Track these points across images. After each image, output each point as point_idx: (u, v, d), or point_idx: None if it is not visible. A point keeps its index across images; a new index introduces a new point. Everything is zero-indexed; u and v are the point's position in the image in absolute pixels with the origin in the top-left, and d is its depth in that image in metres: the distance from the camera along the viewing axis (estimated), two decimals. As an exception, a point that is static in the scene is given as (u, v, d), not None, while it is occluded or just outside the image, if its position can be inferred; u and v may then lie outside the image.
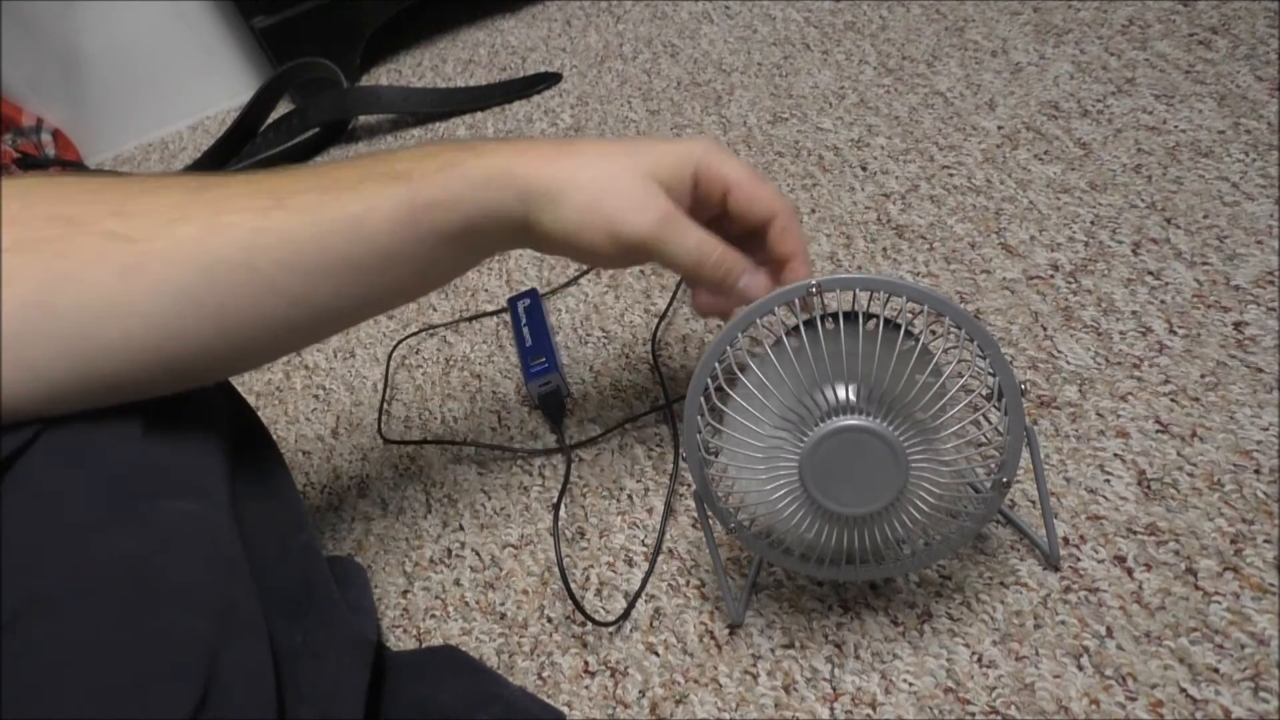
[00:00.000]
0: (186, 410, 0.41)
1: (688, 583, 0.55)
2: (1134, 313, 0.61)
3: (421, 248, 0.41)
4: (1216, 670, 0.44)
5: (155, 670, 0.33)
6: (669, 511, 0.59)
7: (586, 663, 0.53)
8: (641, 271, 0.80)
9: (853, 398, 0.42)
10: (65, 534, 0.34)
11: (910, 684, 0.47)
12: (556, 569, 0.58)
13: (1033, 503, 0.53)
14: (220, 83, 1.45)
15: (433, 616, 0.59)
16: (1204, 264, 0.63)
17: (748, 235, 0.48)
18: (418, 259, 0.41)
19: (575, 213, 0.42)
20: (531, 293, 0.79)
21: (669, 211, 0.43)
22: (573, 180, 0.41)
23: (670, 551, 0.57)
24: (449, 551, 0.63)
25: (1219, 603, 0.46)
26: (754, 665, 0.50)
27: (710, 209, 0.47)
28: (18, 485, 0.33)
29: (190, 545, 0.37)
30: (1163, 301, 0.61)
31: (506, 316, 0.80)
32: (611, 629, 0.54)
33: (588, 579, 0.58)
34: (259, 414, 0.52)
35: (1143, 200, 0.69)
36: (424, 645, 0.57)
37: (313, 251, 0.38)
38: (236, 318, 0.37)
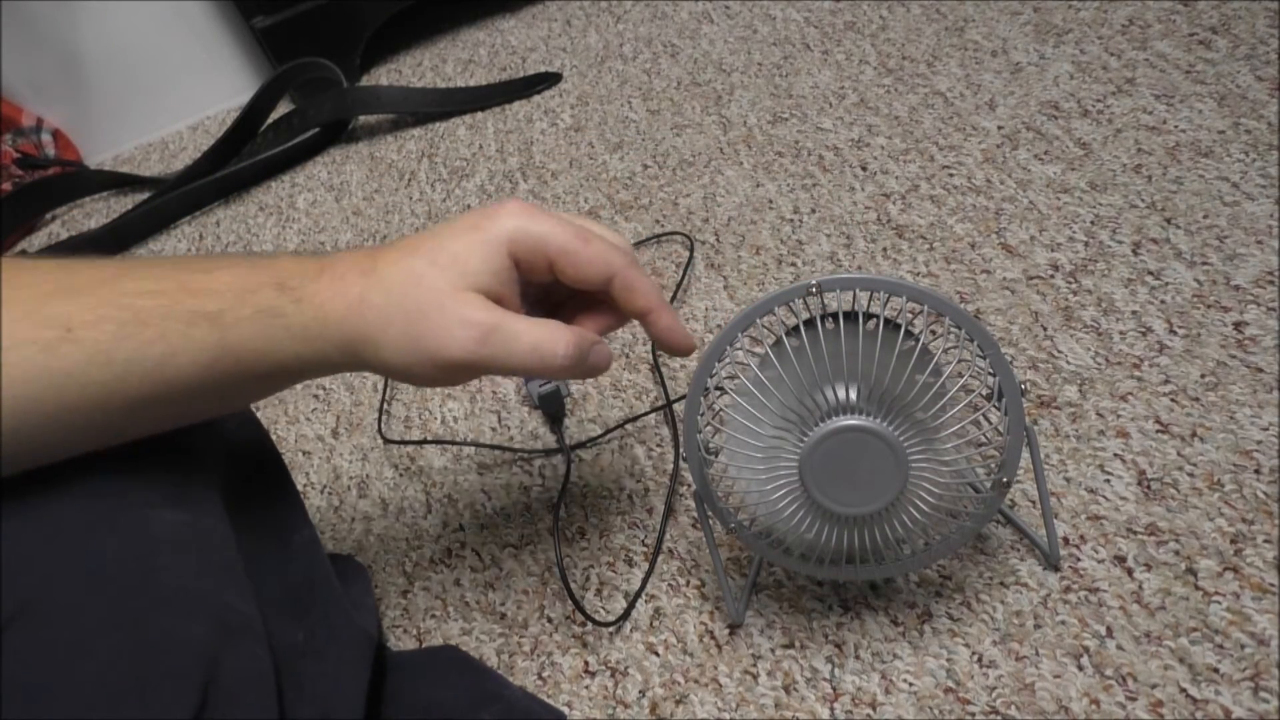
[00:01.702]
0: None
1: (688, 583, 0.55)
2: (1134, 313, 0.61)
3: (233, 388, 0.37)
4: (1216, 670, 0.44)
5: (154, 674, 0.33)
6: (669, 511, 0.59)
7: (586, 663, 0.53)
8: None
9: (853, 398, 0.42)
10: (60, 540, 0.34)
11: (910, 684, 0.47)
12: (556, 569, 0.58)
13: (1033, 503, 0.53)
14: (220, 83, 1.45)
15: (433, 616, 0.59)
16: (1204, 264, 0.63)
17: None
18: (229, 396, 0.38)
19: (396, 353, 0.38)
20: (531, 293, 0.79)
21: (489, 325, 0.38)
22: (382, 318, 0.37)
23: (670, 551, 0.57)
24: (449, 551, 0.63)
25: (1219, 603, 0.46)
26: (754, 665, 0.50)
27: (542, 276, 0.42)
28: (11, 495, 0.33)
29: (184, 552, 0.37)
30: (1163, 301, 0.61)
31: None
32: (611, 629, 0.54)
33: (588, 579, 0.58)
34: (258, 414, 0.52)
35: (1143, 200, 0.69)
36: (424, 645, 0.57)
37: (103, 394, 0.34)
38: (14, 449, 0.33)
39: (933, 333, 0.47)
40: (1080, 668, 0.45)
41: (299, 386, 0.82)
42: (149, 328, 0.34)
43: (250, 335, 0.36)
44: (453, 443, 0.70)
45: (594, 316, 0.45)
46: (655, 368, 0.70)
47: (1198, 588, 0.47)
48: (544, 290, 0.44)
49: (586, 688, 0.52)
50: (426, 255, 0.38)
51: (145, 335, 0.34)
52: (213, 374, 0.36)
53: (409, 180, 1.06)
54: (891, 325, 0.43)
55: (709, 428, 0.46)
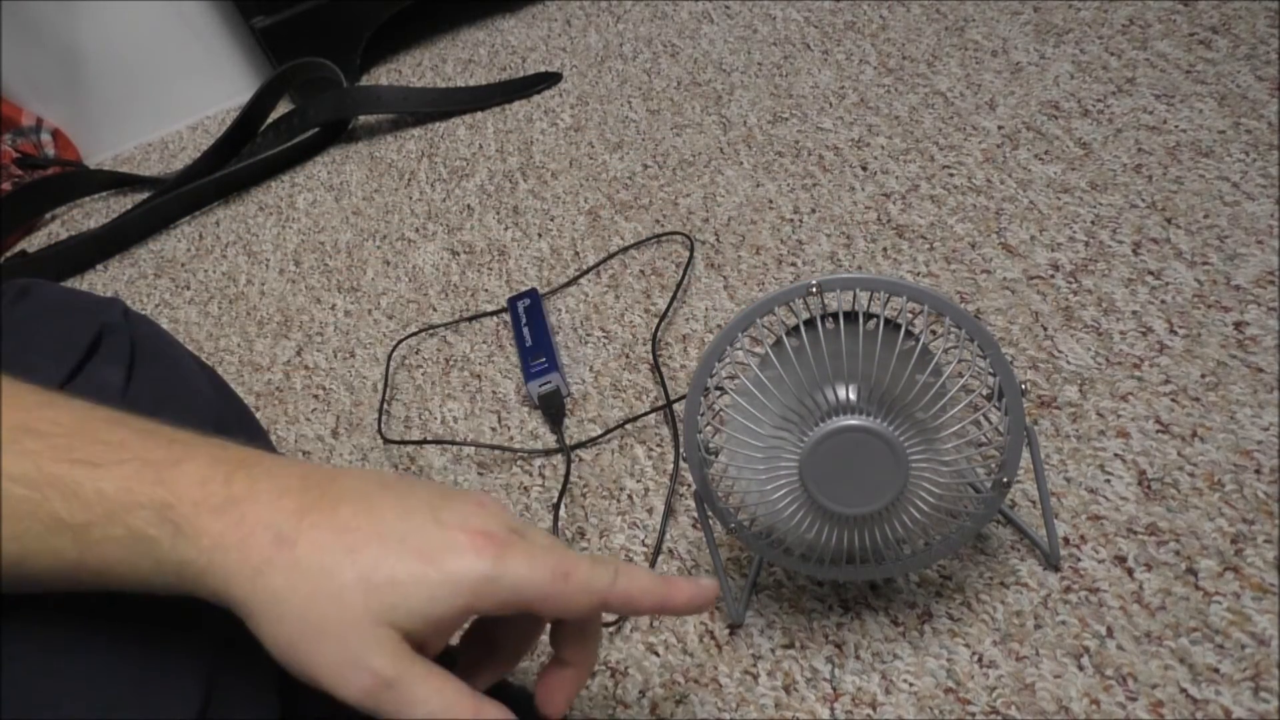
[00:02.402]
0: (176, 415, 0.41)
1: (688, 583, 0.55)
2: (1134, 313, 0.61)
3: (93, 589, 0.32)
4: (1217, 670, 0.44)
5: (158, 672, 0.33)
6: (669, 511, 0.59)
7: (586, 663, 0.53)
8: (641, 271, 0.80)
9: (853, 398, 0.42)
10: None
11: (910, 684, 0.47)
12: (556, 569, 0.58)
13: (1033, 503, 0.53)
14: (220, 83, 1.45)
15: (433, 616, 0.59)
16: (1204, 264, 0.63)
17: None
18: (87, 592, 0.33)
19: (275, 650, 0.31)
20: (531, 293, 0.79)
21: (383, 681, 0.30)
22: (273, 613, 0.31)
23: (670, 551, 0.57)
24: (449, 551, 0.63)
25: (1219, 603, 0.46)
26: (754, 665, 0.50)
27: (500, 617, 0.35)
28: None
29: None
30: (1163, 301, 0.61)
31: (506, 316, 0.80)
32: (611, 629, 0.54)
33: (588, 579, 0.58)
34: (259, 414, 0.52)
35: (1143, 200, 0.69)
36: (424, 645, 0.57)
37: None
38: None
39: (933, 333, 0.47)
40: (1080, 668, 0.45)
41: (298, 386, 0.82)
42: (10, 524, 0.30)
43: (112, 557, 0.31)
44: (453, 443, 0.70)
45: (569, 654, 0.37)
46: (655, 368, 0.70)
47: (1198, 588, 0.47)
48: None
49: (586, 687, 0.52)
50: (359, 567, 0.31)
51: (6, 530, 0.30)
52: (69, 581, 0.31)
53: (409, 180, 1.06)
54: (891, 325, 0.43)
55: (709, 428, 0.46)
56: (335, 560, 0.31)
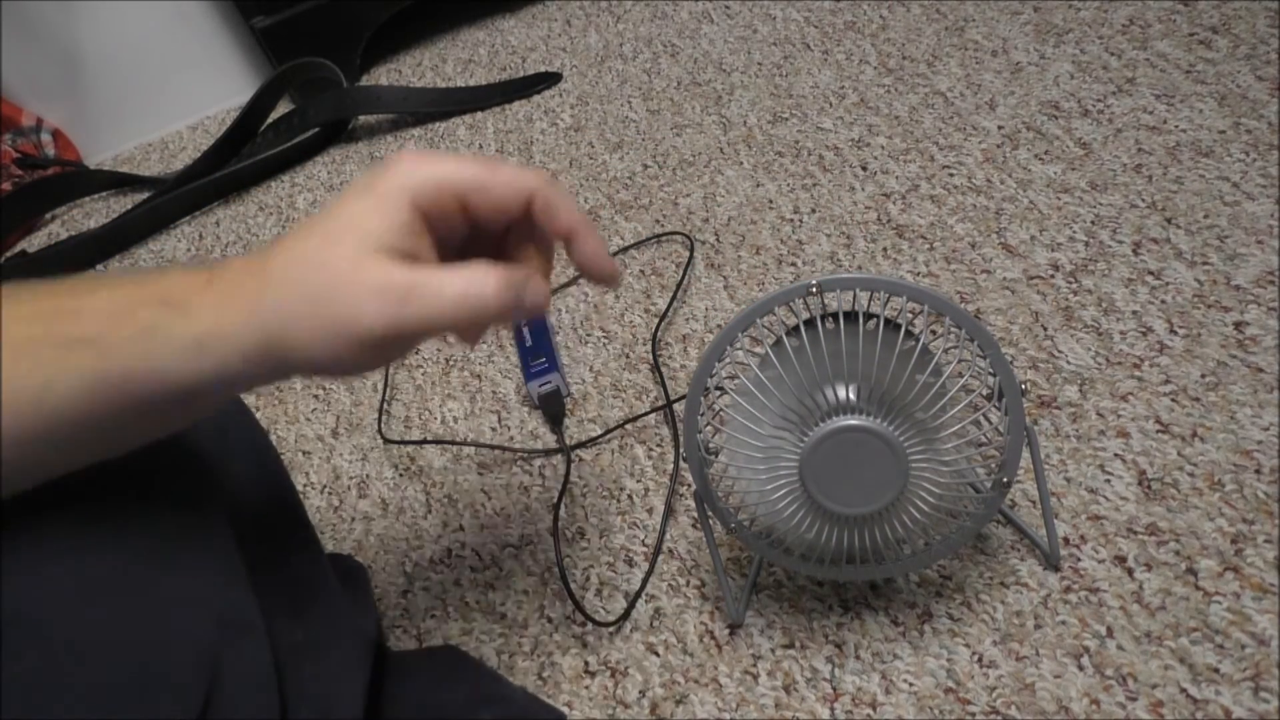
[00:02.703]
0: None
1: (688, 583, 0.55)
2: (1134, 313, 0.61)
3: (123, 419, 0.34)
4: (1217, 670, 0.44)
5: (158, 675, 0.33)
6: (669, 511, 0.59)
7: (587, 663, 0.53)
8: (641, 271, 0.80)
9: (853, 398, 0.42)
10: (61, 544, 0.34)
11: (910, 684, 0.47)
12: (556, 569, 0.58)
13: (1033, 503, 0.53)
14: (220, 83, 1.45)
15: (433, 616, 0.59)
16: (1204, 264, 0.63)
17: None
18: (120, 429, 0.35)
19: (313, 345, 0.34)
20: (531, 293, 0.79)
21: (404, 286, 0.34)
22: (287, 315, 0.33)
23: (670, 551, 0.57)
24: (449, 551, 0.63)
25: (1219, 603, 0.46)
26: (754, 665, 0.50)
27: (456, 222, 0.37)
28: (14, 497, 0.33)
29: (187, 552, 0.37)
30: (1163, 301, 0.61)
31: (506, 316, 0.80)
32: (611, 629, 0.54)
33: (588, 579, 0.58)
34: (258, 414, 0.52)
35: (1143, 200, 0.69)
36: (424, 645, 0.57)
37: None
38: None
39: (933, 333, 0.47)
40: (1080, 668, 0.45)
41: (298, 386, 0.82)
42: (22, 359, 0.32)
43: (132, 356, 0.33)
44: (453, 443, 0.70)
45: (523, 257, 0.40)
46: (655, 368, 0.70)
47: (1198, 588, 0.47)
48: (464, 243, 0.39)
49: (586, 688, 0.52)
50: (319, 234, 0.34)
51: (20, 367, 0.32)
52: (98, 402, 0.33)
53: (409, 180, 1.06)
54: (891, 325, 0.43)
55: (709, 428, 0.46)
56: (300, 247, 0.34)
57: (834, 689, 0.48)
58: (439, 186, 0.36)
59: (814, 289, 0.42)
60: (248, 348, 0.33)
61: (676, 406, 0.66)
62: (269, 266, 0.34)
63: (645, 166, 0.92)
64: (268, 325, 0.33)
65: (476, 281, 0.34)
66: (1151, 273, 0.63)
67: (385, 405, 0.76)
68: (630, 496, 0.62)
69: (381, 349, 0.34)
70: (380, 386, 0.78)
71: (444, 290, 0.34)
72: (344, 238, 0.34)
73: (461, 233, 0.38)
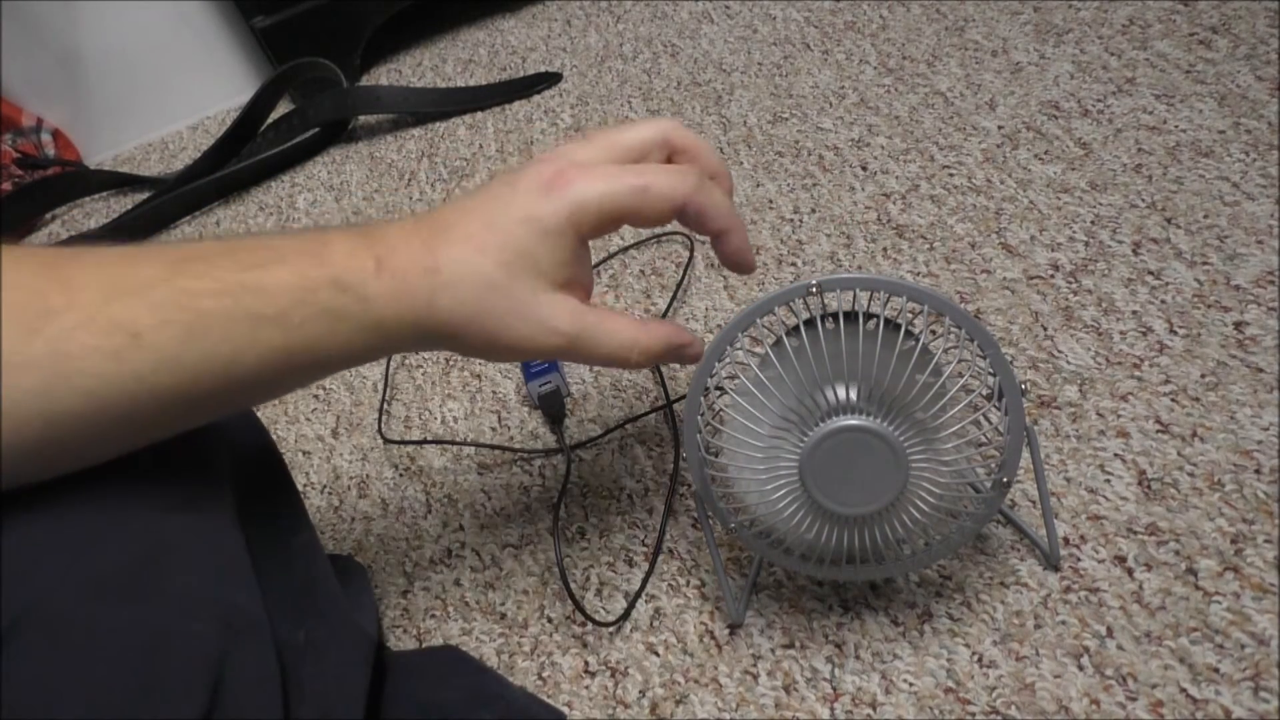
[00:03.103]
0: None
1: (688, 583, 0.55)
2: (1134, 313, 0.61)
3: (301, 377, 0.38)
4: (1217, 670, 0.44)
5: (162, 675, 0.33)
6: (669, 511, 0.59)
7: (587, 663, 0.53)
8: (641, 271, 0.80)
9: (853, 398, 0.42)
10: (65, 544, 0.34)
11: (910, 684, 0.47)
12: (556, 569, 0.58)
13: (1033, 503, 0.53)
14: (220, 83, 1.45)
15: (433, 617, 0.59)
16: (1204, 264, 0.63)
17: None
18: (295, 383, 0.38)
19: (477, 348, 0.39)
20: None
21: (573, 334, 0.39)
22: (460, 321, 0.37)
23: (670, 551, 0.57)
24: (449, 551, 0.63)
25: (1219, 603, 0.46)
26: (754, 665, 0.50)
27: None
28: (18, 497, 0.33)
29: (190, 553, 0.37)
30: (1163, 301, 0.61)
31: (506, 316, 0.80)
32: (611, 629, 0.54)
33: (588, 579, 0.58)
34: (259, 414, 0.52)
35: (1143, 200, 0.69)
36: (424, 645, 0.57)
37: (172, 395, 0.34)
38: (81, 450, 0.34)
39: (933, 333, 0.47)
40: (1080, 668, 0.45)
41: (299, 386, 0.82)
42: (214, 330, 0.34)
43: (317, 334, 0.36)
44: (453, 443, 0.70)
45: None
46: (655, 368, 0.70)
47: (1198, 588, 0.47)
48: None
49: (586, 688, 0.52)
50: (493, 255, 0.37)
51: (211, 338, 0.34)
52: (281, 370, 0.36)
53: (409, 180, 1.06)
54: (891, 325, 0.43)
55: (709, 428, 0.46)
56: (475, 263, 0.37)
57: (834, 689, 0.48)
58: (598, 218, 0.39)
59: (814, 289, 0.42)
60: (419, 336, 0.37)
61: (676, 406, 0.66)
62: (442, 271, 0.37)
63: (645, 166, 0.92)
64: (440, 324, 0.37)
65: (635, 341, 0.41)
66: (1151, 273, 0.63)
67: (385, 405, 0.76)
68: (630, 496, 0.62)
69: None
70: (380, 386, 0.78)
71: (600, 346, 0.39)
72: (518, 269, 0.37)
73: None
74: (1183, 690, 0.43)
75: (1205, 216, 0.66)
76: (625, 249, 0.83)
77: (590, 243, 0.41)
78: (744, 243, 0.43)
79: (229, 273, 0.35)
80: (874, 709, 0.47)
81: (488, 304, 0.37)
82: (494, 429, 0.71)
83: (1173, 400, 0.55)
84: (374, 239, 0.37)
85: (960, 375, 0.42)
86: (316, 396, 0.80)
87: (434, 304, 0.37)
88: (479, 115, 1.14)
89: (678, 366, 0.70)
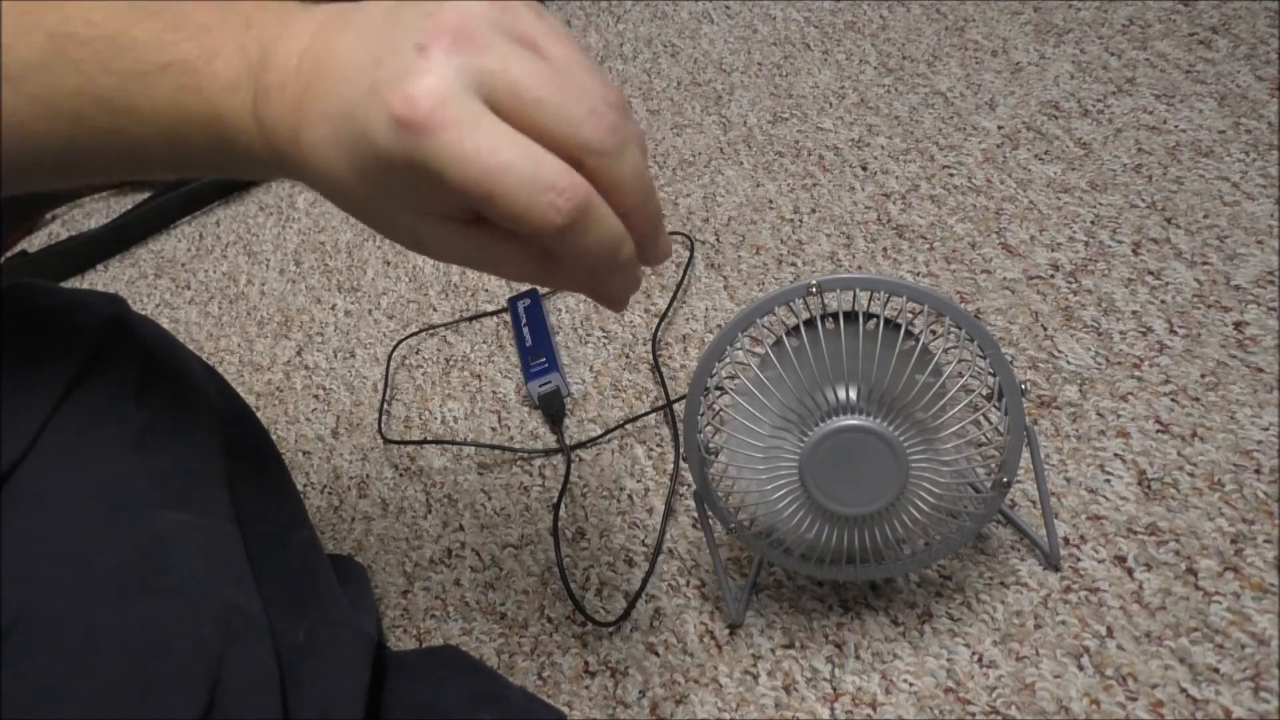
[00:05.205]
0: (181, 415, 0.41)
1: (688, 583, 0.55)
2: (1134, 313, 0.61)
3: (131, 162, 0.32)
4: (1217, 670, 0.44)
5: (161, 674, 0.33)
6: (669, 511, 0.59)
7: (587, 663, 0.53)
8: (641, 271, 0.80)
9: (853, 398, 0.42)
10: (65, 543, 0.34)
11: (910, 684, 0.47)
12: (556, 569, 0.58)
13: (1033, 503, 0.53)
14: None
15: (433, 616, 0.59)
16: (1204, 264, 0.63)
17: None
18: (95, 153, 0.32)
19: (314, 138, 0.29)
20: (532, 293, 0.79)
21: (438, 118, 0.26)
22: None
23: (670, 551, 0.57)
24: (449, 551, 0.63)
25: (1219, 603, 0.46)
26: (754, 665, 0.50)
27: None
28: (17, 496, 0.33)
29: (190, 551, 0.37)
30: (1163, 301, 0.61)
31: (506, 316, 0.80)
32: (611, 629, 0.54)
33: (588, 579, 0.58)
34: (259, 414, 0.52)
35: (1143, 200, 0.69)
36: (424, 645, 0.57)
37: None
38: None
39: (933, 333, 0.46)
40: (1080, 668, 0.45)
41: (298, 386, 0.82)
42: (71, 60, 0.29)
43: (160, 98, 0.29)
44: (453, 443, 0.70)
45: None
46: (655, 368, 0.70)
47: (1198, 588, 0.47)
48: None
49: (586, 688, 0.52)
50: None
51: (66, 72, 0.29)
52: (115, 146, 0.30)
53: (409, 180, 1.06)
54: (891, 325, 0.43)
55: (709, 428, 0.46)
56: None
57: (834, 689, 0.48)
58: (493, 92, 0.27)
59: (814, 289, 0.42)
60: (266, 128, 0.29)
61: (676, 406, 0.66)
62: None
63: (645, 166, 0.92)
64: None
65: (539, 162, 0.27)
66: (1151, 273, 0.63)
67: (385, 405, 0.76)
68: (630, 496, 0.62)
69: (387, 184, 0.28)
70: (380, 386, 0.78)
71: (488, 151, 0.26)
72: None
73: None
74: (1183, 690, 0.43)
75: (1205, 216, 0.66)
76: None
77: None
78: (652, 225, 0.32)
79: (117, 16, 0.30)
80: (874, 709, 0.47)
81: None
82: (494, 429, 0.71)
83: (1173, 400, 0.55)
84: (265, 67, 0.30)
85: (960, 375, 0.42)
86: (316, 396, 0.80)
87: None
88: (479, 115, 1.14)
89: (678, 365, 0.70)
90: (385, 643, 0.58)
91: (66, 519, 0.35)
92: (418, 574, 0.62)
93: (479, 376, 0.76)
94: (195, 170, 0.33)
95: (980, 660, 0.47)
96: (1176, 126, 0.74)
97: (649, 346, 0.72)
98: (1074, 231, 0.68)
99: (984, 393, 0.45)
